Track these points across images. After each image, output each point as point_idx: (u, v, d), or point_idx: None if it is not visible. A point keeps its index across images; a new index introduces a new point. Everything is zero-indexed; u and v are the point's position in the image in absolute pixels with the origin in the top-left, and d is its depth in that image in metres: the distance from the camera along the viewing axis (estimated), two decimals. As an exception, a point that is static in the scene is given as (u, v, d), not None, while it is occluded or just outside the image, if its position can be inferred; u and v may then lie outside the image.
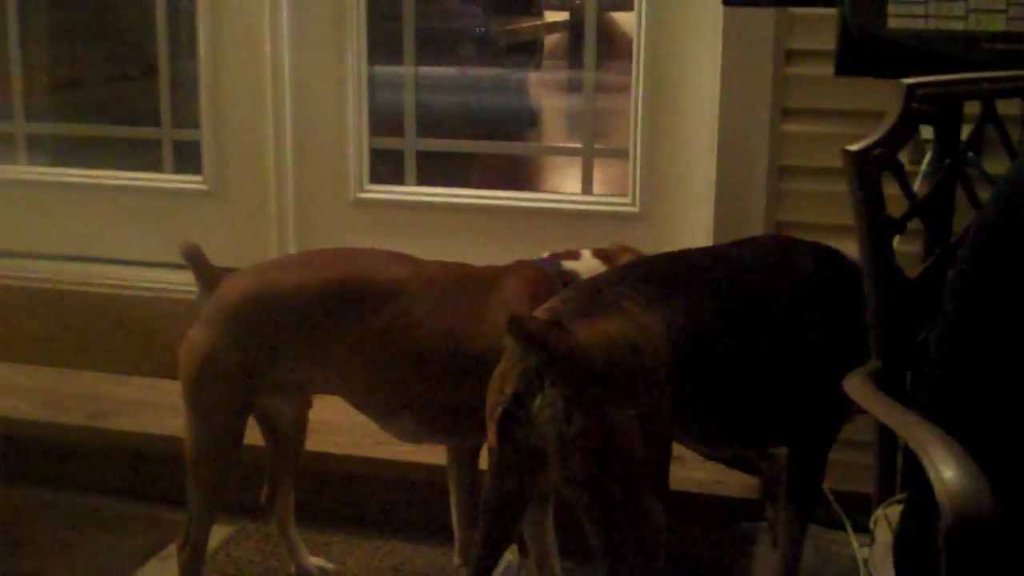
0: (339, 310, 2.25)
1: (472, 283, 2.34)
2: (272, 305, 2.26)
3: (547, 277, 2.36)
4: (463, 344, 2.26)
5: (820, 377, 2.11)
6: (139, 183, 3.56)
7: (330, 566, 2.66)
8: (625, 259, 2.38)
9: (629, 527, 1.83)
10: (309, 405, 2.47)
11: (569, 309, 1.88)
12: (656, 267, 2.09)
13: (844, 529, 2.64)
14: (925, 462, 1.42)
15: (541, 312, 1.89)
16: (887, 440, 1.91)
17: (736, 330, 2.04)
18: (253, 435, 2.37)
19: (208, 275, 2.32)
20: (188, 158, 3.54)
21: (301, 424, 2.52)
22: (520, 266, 2.41)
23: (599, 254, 2.43)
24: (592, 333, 1.82)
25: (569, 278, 2.35)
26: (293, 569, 2.62)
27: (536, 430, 1.81)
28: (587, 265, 2.39)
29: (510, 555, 2.26)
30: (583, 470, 1.79)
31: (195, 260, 2.32)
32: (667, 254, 2.19)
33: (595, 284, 2.01)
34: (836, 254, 2.27)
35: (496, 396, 1.86)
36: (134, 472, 3.01)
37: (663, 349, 1.89)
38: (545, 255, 2.44)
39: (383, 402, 2.31)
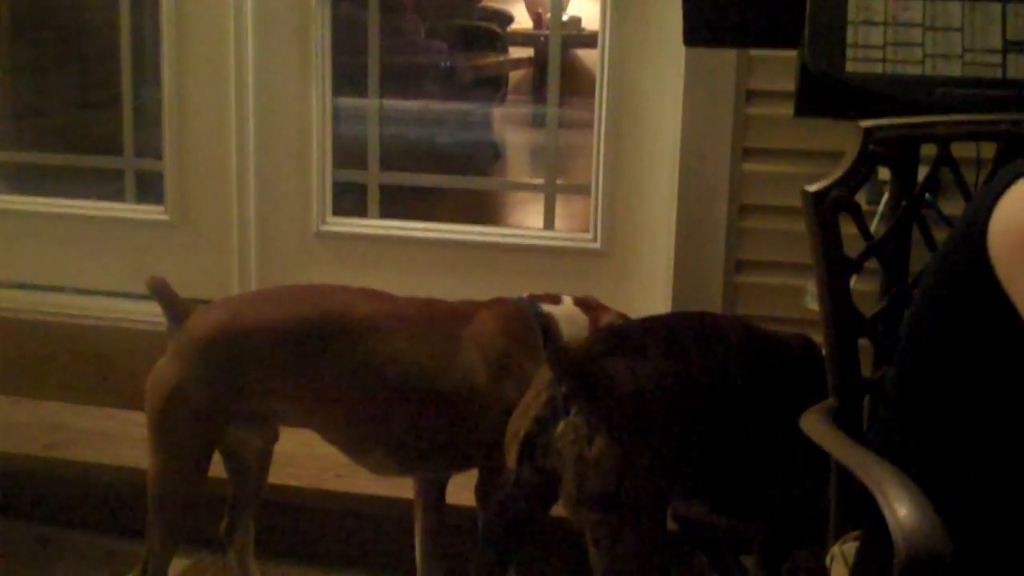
0: (311, 347, 2.25)
1: (446, 319, 2.35)
2: (243, 340, 2.25)
3: (523, 316, 2.39)
4: (436, 380, 2.27)
5: (795, 464, 2.17)
6: (101, 213, 3.54)
7: (287, 599, 2.65)
8: (603, 314, 2.42)
9: (631, 550, 1.93)
10: (275, 438, 2.46)
11: (599, 347, 2.00)
12: (676, 324, 2.18)
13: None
14: (880, 499, 1.44)
15: (575, 345, 2.02)
16: (843, 477, 1.92)
17: (734, 401, 2.12)
18: (213, 467, 2.36)
19: (176, 308, 2.30)
20: (150, 188, 3.53)
21: (265, 457, 2.50)
22: (497, 303, 2.42)
23: (580, 303, 2.45)
24: (621, 369, 1.95)
25: (546, 321, 2.38)
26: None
27: (555, 452, 1.93)
28: (567, 311, 2.42)
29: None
30: (597, 489, 1.90)
31: (162, 294, 2.30)
32: (683, 314, 2.36)
33: (622, 329, 2.14)
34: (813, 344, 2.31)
35: (519, 421, 1.99)
36: (92, 503, 2.99)
37: (677, 398, 2.01)
38: (524, 295, 2.45)
39: (355, 438, 2.31)
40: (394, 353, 2.26)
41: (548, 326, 2.38)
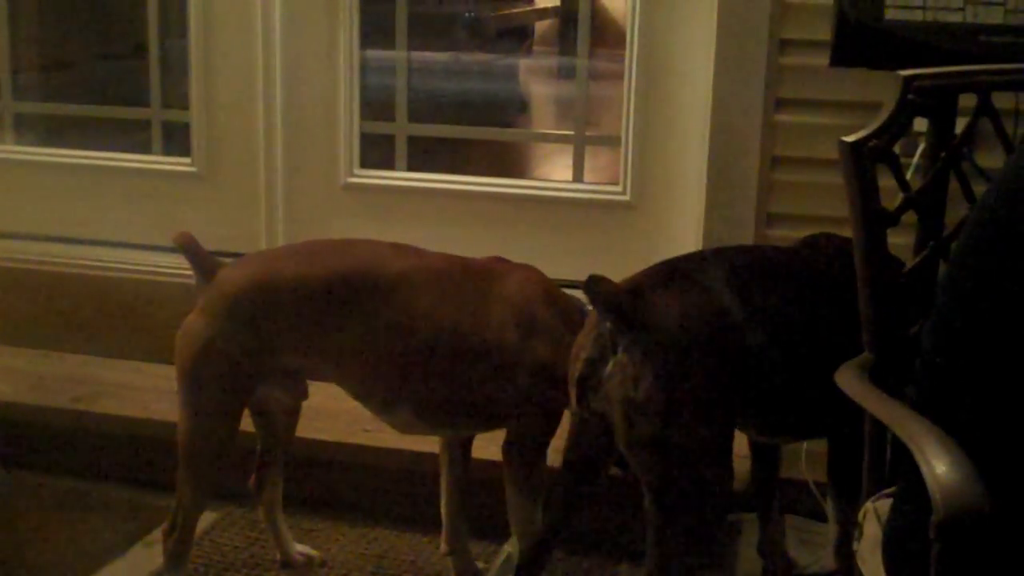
0: (341, 302, 2.23)
1: (478, 277, 2.33)
2: (273, 296, 2.24)
3: (550, 279, 2.37)
4: (466, 338, 2.25)
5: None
6: (127, 164, 3.54)
7: (315, 553, 2.65)
8: None
9: (683, 493, 1.94)
10: (304, 395, 2.46)
11: (649, 280, 1.96)
12: (736, 255, 2.14)
13: (827, 521, 2.64)
14: (917, 456, 1.42)
15: (623, 281, 1.95)
16: (878, 433, 1.90)
17: (801, 326, 2.09)
18: (242, 421, 2.36)
19: (205, 264, 2.29)
20: (177, 139, 3.52)
21: (294, 413, 2.50)
22: (526, 265, 2.40)
23: None
24: (669, 303, 1.92)
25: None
26: (278, 556, 2.61)
27: (605, 394, 1.91)
28: None
29: (509, 547, 2.27)
30: (645, 434, 1.89)
31: (190, 249, 2.29)
32: (745, 246, 2.30)
33: (676, 262, 2.06)
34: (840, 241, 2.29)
35: (574, 362, 1.97)
36: (119, 456, 2.99)
37: (737, 330, 1.97)
38: None
39: (382, 394, 2.30)
40: (424, 309, 2.25)
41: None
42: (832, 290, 2.16)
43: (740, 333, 1.98)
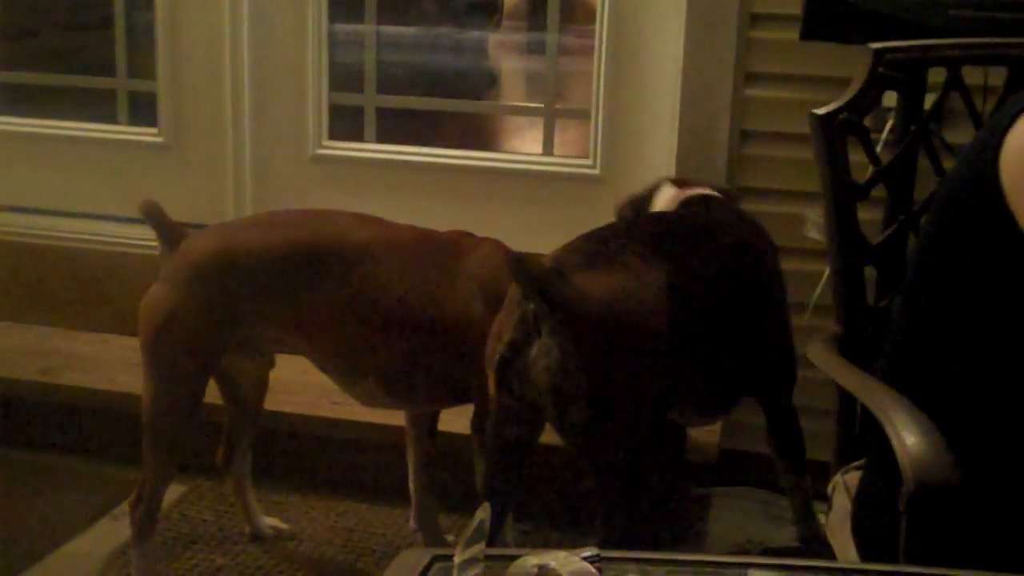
0: (305, 272, 2.22)
1: (442, 249, 2.32)
2: (236, 265, 2.22)
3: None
4: (432, 311, 2.24)
5: (780, 331, 2.22)
6: (93, 134, 3.50)
7: (284, 526, 2.65)
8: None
9: (623, 476, 1.88)
10: (271, 365, 2.45)
11: (573, 259, 1.88)
12: (651, 226, 2.12)
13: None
14: (888, 428, 1.43)
15: (546, 259, 1.87)
16: (847, 406, 1.92)
17: (718, 296, 2.05)
18: (209, 394, 2.35)
19: (170, 233, 2.28)
20: (144, 110, 3.48)
21: (261, 384, 2.49)
22: (493, 241, 2.39)
23: None
24: (593, 284, 1.83)
25: None
26: (247, 529, 2.61)
27: (531, 380, 1.82)
28: None
29: (483, 513, 2.27)
30: (577, 421, 1.82)
31: (155, 218, 2.27)
32: (652, 216, 2.22)
33: (600, 236, 1.99)
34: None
35: (494, 343, 1.87)
36: (86, 428, 2.98)
37: (662, 306, 1.90)
38: None
39: (347, 366, 2.29)
40: (387, 282, 2.24)
41: None
42: (737, 255, 2.15)
43: (664, 311, 1.90)
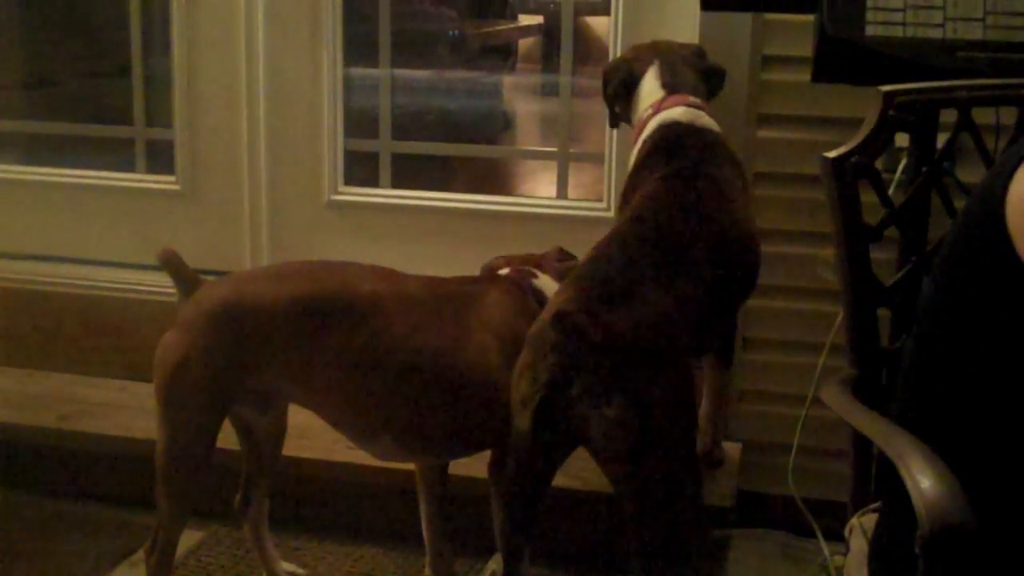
0: (317, 324, 2.22)
1: (453, 300, 2.32)
2: (249, 315, 2.22)
3: (523, 295, 2.39)
4: (448, 364, 2.24)
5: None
6: (111, 183, 3.53)
7: (301, 572, 2.65)
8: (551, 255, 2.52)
9: (664, 497, 1.99)
10: (282, 417, 2.45)
11: (592, 299, 1.99)
12: (637, 250, 2.15)
13: (815, 536, 2.64)
14: (902, 471, 1.43)
15: (567, 304, 1.98)
16: (862, 448, 1.91)
17: (698, 312, 2.17)
18: (227, 439, 2.35)
19: (187, 280, 2.29)
20: (161, 158, 3.51)
21: (278, 431, 2.49)
22: (498, 281, 2.40)
23: (552, 272, 2.47)
24: (619, 320, 1.95)
25: (540, 296, 2.38)
26: (265, 574, 2.60)
27: (576, 415, 1.94)
28: (547, 283, 2.43)
29: (494, 564, 2.27)
30: (623, 447, 1.93)
31: (173, 266, 2.28)
32: (647, 228, 2.24)
33: (605, 273, 2.08)
34: None
35: (529, 386, 1.97)
36: (104, 475, 2.98)
37: (678, 325, 2.05)
38: (503, 264, 2.47)
39: (362, 424, 2.29)
40: (402, 335, 2.23)
41: (541, 301, 2.35)
42: (727, 241, 2.30)
43: (682, 328, 2.08)
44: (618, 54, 3.02)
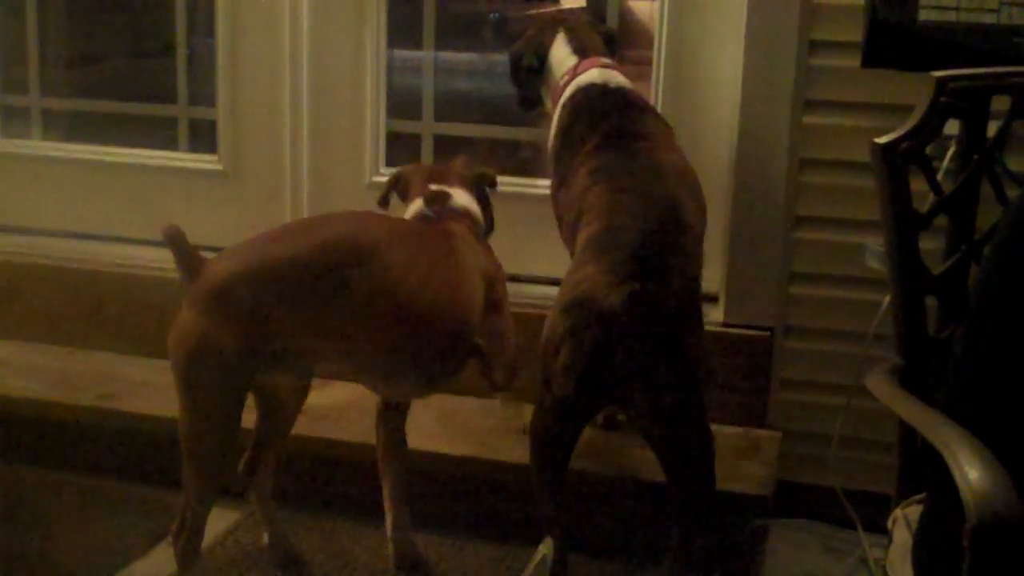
0: (327, 277, 2.24)
1: (429, 234, 2.44)
2: (258, 281, 2.21)
3: (470, 221, 2.55)
4: (447, 295, 2.35)
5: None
6: (154, 161, 3.54)
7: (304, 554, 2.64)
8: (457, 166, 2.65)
9: (703, 453, 2.17)
10: (309, 376, 2.44)
11: (626, 277, 2.07)
12: (644, 225, 2.22)
13: (854, 528, 2.62)
14: (950, 462, 1.40)
15: (607, 277, 2.08)
16: (908, 439, 1.89)
17: (694, 235, 2.36)
18: (249, 419, 2.36)
19: (189, 260, 2.25)
20: (204, 137, 3.52)
21: (299, 396, 2.48)
22: (448, 215, 2.53)
23: (460, 183, 2.62)
24: (654, 291, 2.06)
25: (466, 213, 2.56)
26: (265, 539, 2.58)
27: (620, 380, 2.06)
28: (462, 198, 2.59)
29: (544, 549, 2.27)
30: (668, 409, 2.08)
31: (177, 244, 2.24)
32: (633, 198, 2.31)
33: (641, 255, 2.14)
34: None
35: (571, 353, 2.07)
36: (145, 454, 2.99)
37: (697, 291, 2.26)
38: (414, 172, 2.65)
39: (391, 363, 2.34)
40: (400, 274, 2.29)
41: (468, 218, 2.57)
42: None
43: (698, 296, 2.26)
44: (664, 37, 3.01)
